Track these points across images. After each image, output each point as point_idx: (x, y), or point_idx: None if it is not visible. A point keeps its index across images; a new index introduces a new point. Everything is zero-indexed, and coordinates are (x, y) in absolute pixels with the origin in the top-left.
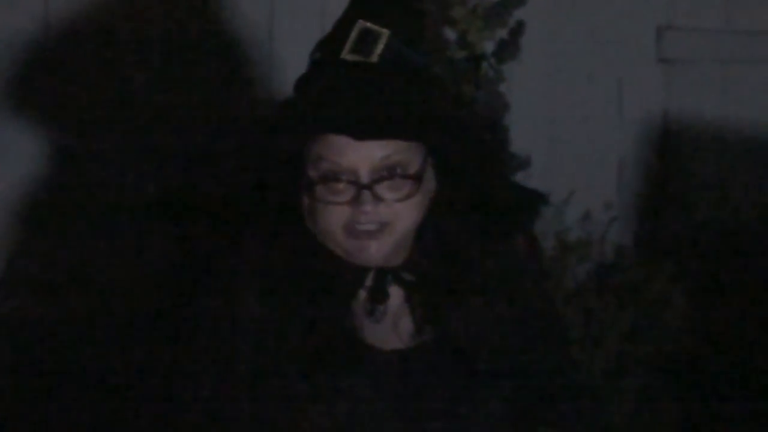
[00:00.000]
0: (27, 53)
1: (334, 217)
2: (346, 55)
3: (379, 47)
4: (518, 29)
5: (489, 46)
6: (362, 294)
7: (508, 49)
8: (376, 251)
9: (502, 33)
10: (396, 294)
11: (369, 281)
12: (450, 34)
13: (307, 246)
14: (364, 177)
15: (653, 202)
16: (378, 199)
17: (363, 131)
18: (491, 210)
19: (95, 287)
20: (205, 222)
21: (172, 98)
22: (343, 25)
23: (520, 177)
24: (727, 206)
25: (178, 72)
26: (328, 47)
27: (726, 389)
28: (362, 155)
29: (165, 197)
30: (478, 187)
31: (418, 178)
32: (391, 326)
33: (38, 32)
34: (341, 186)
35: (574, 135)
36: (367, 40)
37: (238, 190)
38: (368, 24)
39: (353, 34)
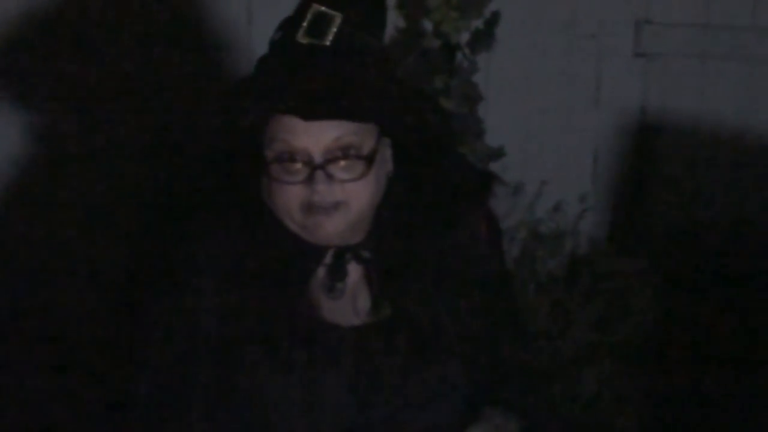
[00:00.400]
0: (10, 38)
1: (290, 196)
2: (301, 38)
3: (332, 30)
4: (493, 20)
5: (465, 37)
6: (321, 272)
7: (483, 39)
8: (333, 229)
9: (478, 23)
10: (354, 272)
11: (328, 259)
12: (428, 24)
13: (267, 224)
14: (317, 157)
15: (628, 195)
16: (331, 178)
17: (311, 112)
18: (446, 189)
19: (77, 264)
20: (170, 201)
21: (149, 83)
22: (300, 8)
23: (493, 167)
24: (701, 200)
25: (156, 56)
26: (285, 30)
27: (691, 381)
28: (314, 136)
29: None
30: (432, 168)
31: (370, 159)
32: (350, 303)
33: (22, 18)
34: (296, 166)
35: (550, 127)
36: (320, 23)
37: (200, 169)
38: (322, 8)
39: (308, 18)
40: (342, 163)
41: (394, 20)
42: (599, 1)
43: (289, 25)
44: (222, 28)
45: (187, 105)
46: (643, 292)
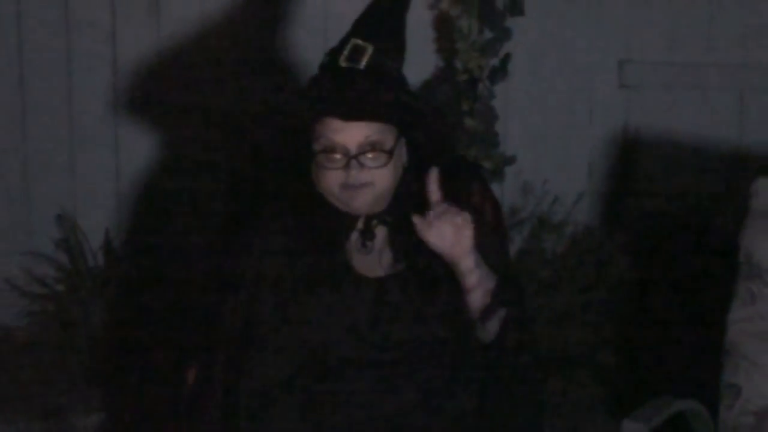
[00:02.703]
0: (146, 72)
1: (332, 178)
2: (342, 62)
3: (365, 58)
4: (506, 59)
5: (486, 72)
6: (355, 235)
7: (498, 74)
8: (362, 202)
9: (495, 62)
10: (380, 236)
11: (360, 225)
12: (458, 62)
13: (315, 200)
14: (353, 150)
15: (614, 193)
16: (362, 165)
17: (348, 115)
18: (445, 174)
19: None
20: (248, 182)
21: (243, 101)
22: (343, 40)
23: (508, 171)
24: (671, 197)
25: (250, 78)
26: (330, 56)
27: (654, 326)
28: (350, 134)
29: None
30: (435, 159)
31: (390, 152)
32: (376, 260)
33: (155, 55)
34: (337, 156)
35: (554, 141)
36: (357, 52)
37: (270, 157)
38: (359, 41)
39: (348, 48)
40: (370, 154)
41: (434, 61)
42: (591, 44)
43: (334, 52)
44: (300, 55)
45: (266, 113)
46: (622, 262)
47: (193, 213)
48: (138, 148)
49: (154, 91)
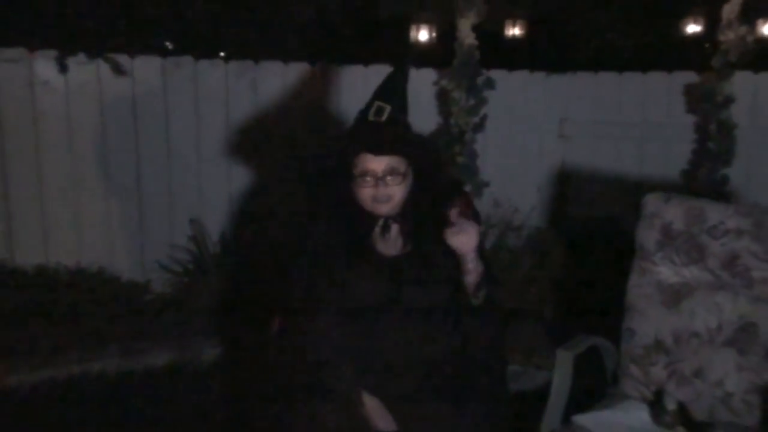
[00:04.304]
0: (246, 124)
1: (365, 193)
2: (371, 117)
3: (386, 114)
4: (484, 118)
5: (471, 125)
6: (378, 228)
7: (479, 127)
8: (385, 210)
9: (476, 119)
10: (395, 228)
11: (381, 222)
12: (452, 120)
13: (354, 206)
14: (379, 174)
15: (555, 207)
16: (386, 184)
17: (376, 152)
18: (438, 189)
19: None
20: (311, 192)
21: (309, 142)
22: (369, 102)
23: (486, 192)
24: (593, 208)
25: (314, 126)
26: (362, 113)
27: (583, 293)
28: (378, 164)
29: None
30: (432, 179)
31: (404, 175)
32: (393, 244)
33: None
34: (368, 178)
35: (515, 172)
36: (380, 110)
37: (326, 179)
38: (381, 103)
39: (374, 107)
40: (390, 177)
41: (437, 119)
42: (540, 108)
43: (364, 111)
44: (346, 112)
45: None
46: (560, 251)
47: (277, 218)
48: (242, 175)
49: (253, 138)
